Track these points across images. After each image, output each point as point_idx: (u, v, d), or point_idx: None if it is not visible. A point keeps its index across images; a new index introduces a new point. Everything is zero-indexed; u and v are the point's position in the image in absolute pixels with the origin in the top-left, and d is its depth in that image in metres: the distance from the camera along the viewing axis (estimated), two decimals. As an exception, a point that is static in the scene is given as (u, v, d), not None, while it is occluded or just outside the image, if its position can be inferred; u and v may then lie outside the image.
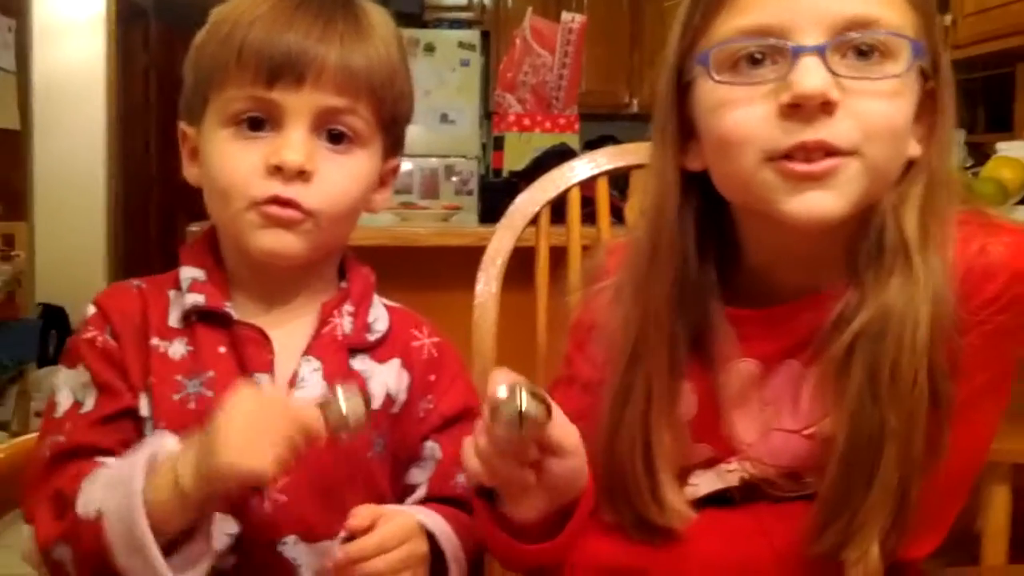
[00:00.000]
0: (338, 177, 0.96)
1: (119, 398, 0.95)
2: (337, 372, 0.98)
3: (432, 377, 1.04)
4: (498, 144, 2.84)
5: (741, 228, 0.94)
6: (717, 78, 0.85)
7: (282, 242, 0.94)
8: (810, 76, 0.81)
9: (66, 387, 0.97)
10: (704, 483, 0.96)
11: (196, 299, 0.98)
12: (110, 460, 0.91)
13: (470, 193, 5.92)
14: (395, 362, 1.03)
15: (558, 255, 1.51)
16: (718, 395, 0.95)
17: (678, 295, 0.92)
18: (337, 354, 0.99)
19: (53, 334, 5.74)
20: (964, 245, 0.86)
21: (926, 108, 0.88)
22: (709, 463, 0.96)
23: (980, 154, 3.36)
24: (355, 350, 1.00)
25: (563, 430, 0.84)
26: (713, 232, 0.94)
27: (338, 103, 0.94)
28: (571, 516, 0.88)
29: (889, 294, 0.84)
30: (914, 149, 0.88)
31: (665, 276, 0.92)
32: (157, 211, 7.53)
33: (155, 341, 0.97)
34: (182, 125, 1.02)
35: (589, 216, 1.52)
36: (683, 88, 0.91)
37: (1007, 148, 2.93)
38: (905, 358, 0.83)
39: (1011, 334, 0.87)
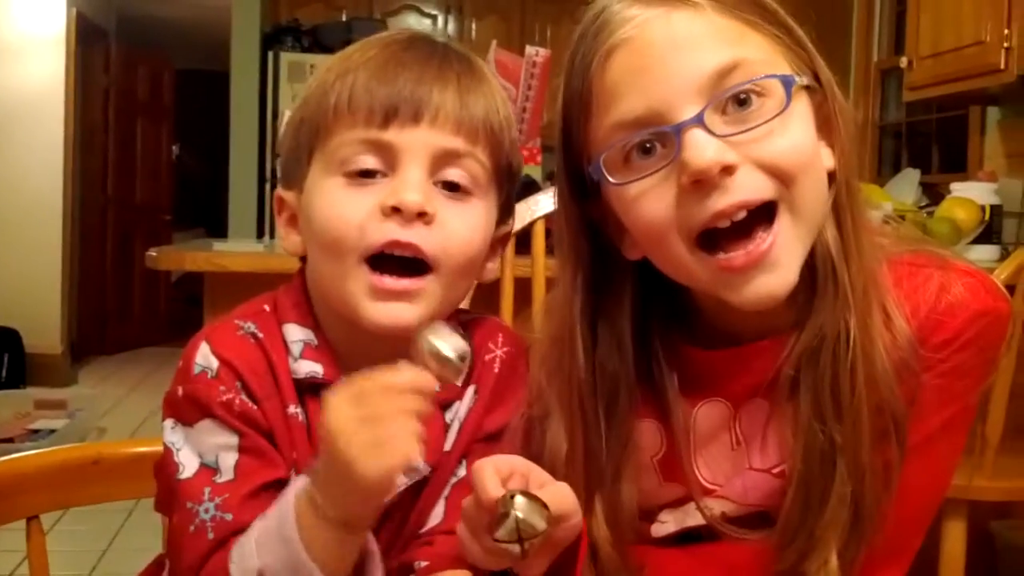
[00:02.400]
0: (459, 224, 0.87)
1: (274, 466, 0.86)
2: (432, 442, 0.88)
3: (496, 393, 0.96)
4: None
5: (693, 293, 0.93)
6: (614, 181, 0.84)
7: (398, 314, 0.85)
8: (699, 150, 0.79)
9: (187, 448, 0.87)
10: (672, 521, 0.96)
11: (313, 369, 0.89)
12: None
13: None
14: (469, 389, 0.95)
15: (523, 286, 1.51)
16: (688, 434, 0.94)
17: (621, 344, 0.92)
18: (430, 419, 0.86)
19: (6, 357, 5.66)
20: (924, 286, 0.87)
21: (825, 122, 0.87)
22: (679, 502, 0.96)
23: (934, 194, 3.42)
24: (447, 404, 0.93)
25: (560, 500, 0.80)
26: (660, 281, 0.93)
27: (457, 145, 0.87)
28: (574, 557, 0.85)
29: (822, 314, 0.85)
30: (829, 162, 0.87)
31: (582, 380, 0.91)
32: (114, 233, 7.45)
33: (292, 409, 0.88)
34: (279, 192, 0.93)
35: (553, 248, 1.52)
36: (587, 185, 0.90)
37: (961, 188, 2.99)
38: (841, 370, 0.84)
39: (970, 374, 0.87)
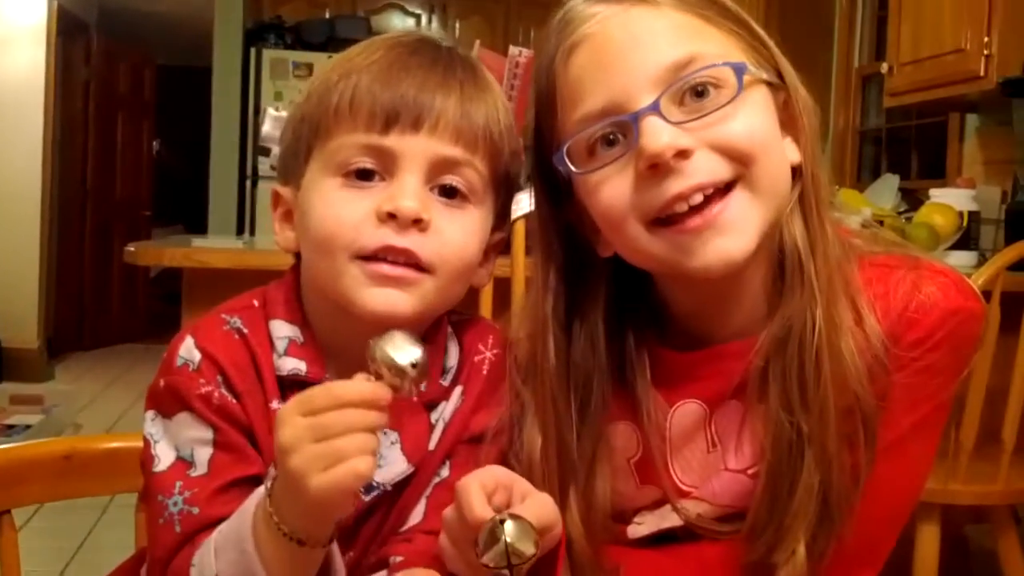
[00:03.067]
0: (454, 230, 0.87)
1: (248, 463, 0.86)
2: (415, 442, 0.90)
3: (483, 395, 0.95)
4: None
5: (660, 287, 0.95)
6: (577, 170, 0.87)
7: (392, 301, 0.85)
8: (654, 135, 0.82)
9: (164, 440, 0.87)
10: (648, 522, 0.96)
11: (296, 367, 0.89)
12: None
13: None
14: (457, 389, 0.95)
15: (503, 286, 1.51)
16: (663, 438, 0.95)
17: (585, 379, 0.93)
18: (415, 418, 0.91)
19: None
20: (896, 285, 0.88)
21: (789, 117, 0.90)
22: (655, 504, 0.96)
23: (913, 200, 3.44)
24: (433, 404, 0.93)
25: (543, 512, 0.81)
26: (635, 284, 0.95)
27: (455, 153, 0.87)
28: (553, 562, 0.85)
29: (790, 306, 0.86)
30: (794, 155, 0.89)
31: (555, 374, 0.92)
32: (92, 228, 7.40)
33: (276, 404, 0.87)
34: (275, 187, 0.94)
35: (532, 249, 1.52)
36: (560, 186, 0.92)
37: (940, 194, 3.01)
38: (807, 360, 0.85)
39: (943, 373, 0.88)
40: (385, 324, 0.84)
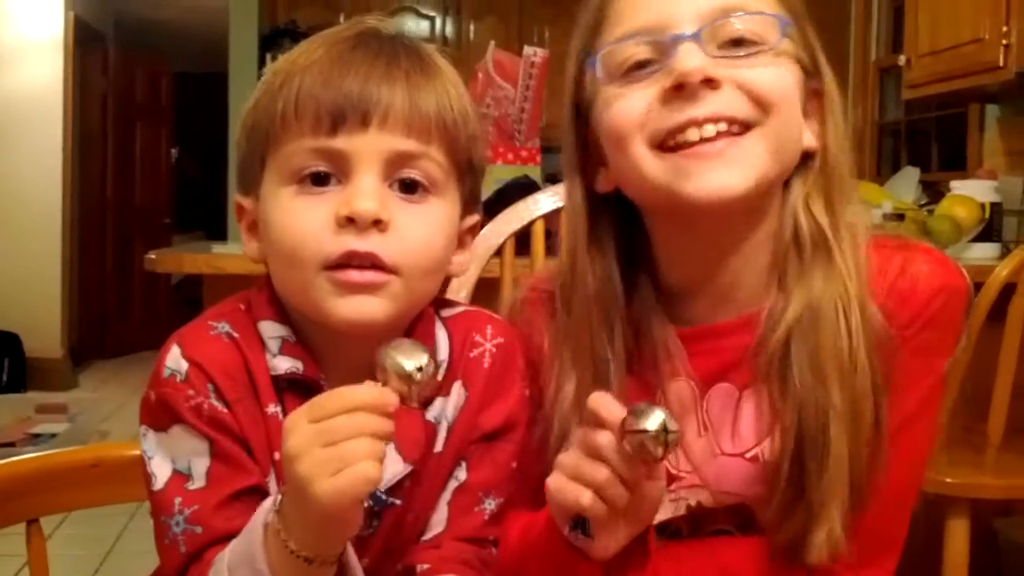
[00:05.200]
0: (417, 227, 0.84)
1: (246, 473, 0.84)
2: (410, 441, 0.88)
3: (489, 389, 0.93)
4: (461, 175, 2.84)
5: (655, 241, 0.96)
6: (604, 78, 0.89)
7: (365, 308, 0.83)
8: (689, 57, 0.84)
9: (159, 455, 0.85)
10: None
11: (293, 365, 0.86)
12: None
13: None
14: (456, 385, 0.92)
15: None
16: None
17: (604, 314, 0.94)
18: (408, 416, 0.87)
19: (6, 362, 5.66)
20: (885, 265, 0.90)
21: (815, 106, 0.92)
22: None
23: (934, 192, 3.42)
24: (427, 400, 0.90)
25: None
26: (636, 254, 0.97)
27: (409, 147, 0.84)
28: (645, 542, 0.86)
29: (815, 287, 0.88)
30: (810, 140, 0.92)
31: (588, 296, 0.94)
32: (114, 236, 7.45)
33: (272, 408, 0.86)
34: (237, 198, 0.91)
35: (552, 248, 1.52)
36: (584, 115, 0.94)
37: (960, 186, 2.98)
38: (843, 341, 0.87)
39: (938, 349, 0.91)
40: (360, 331, 0.84)
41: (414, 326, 0.91)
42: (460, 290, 1.43)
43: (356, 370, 0.87)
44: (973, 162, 4.23)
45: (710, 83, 0.85)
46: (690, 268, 0.94)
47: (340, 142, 0.83)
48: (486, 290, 1.46)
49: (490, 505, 0.91)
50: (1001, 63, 3.34)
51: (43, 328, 6.10)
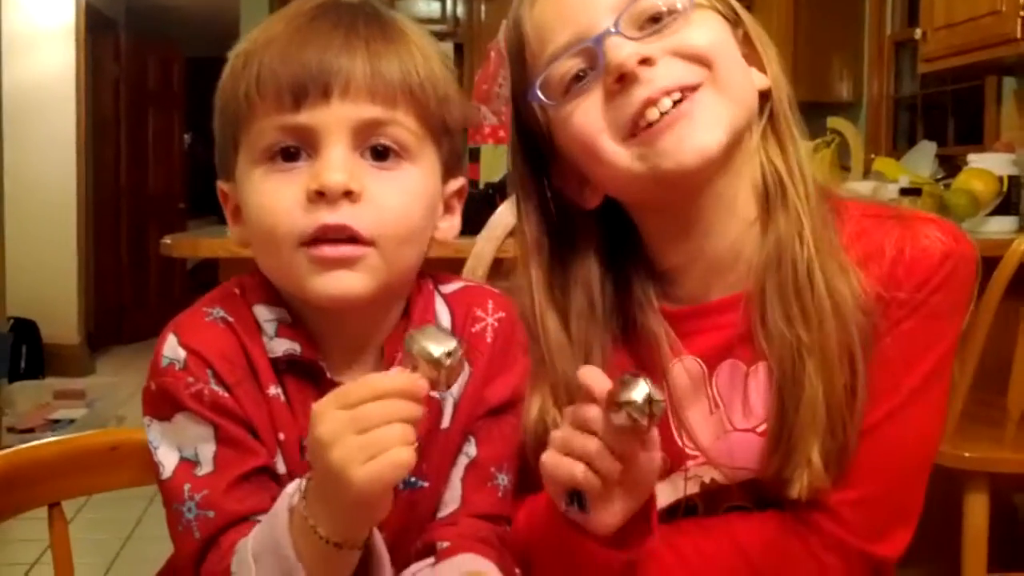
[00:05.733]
0: (390, 194, 0.83)
1: (253, 455, 0.84)
2: None
3: (493, 363, 0.92)
4: (474, 156, 2.83)
5: (646, 231, 0.97)
6: (550, 102, 0.92)
7: (345, 283, 0.82)
8: (618, 49, 0.87)
9: (164, 444, 0.85)
10: (662, 494, 0.94)
11: (290, 347, 0.86)
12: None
13: (445, 205, 5.90)
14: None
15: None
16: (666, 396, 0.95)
17: (592, 303, 0.95)
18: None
19: (24, 348, 5.70)
20: (888, 234, 0.92)
21: (751, 52, 0.95)
22: (666, 471, 0.95)
23: (951, 166, 3.39)
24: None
25: None
26: (627, 251, 0.98)
27: (375, 113, 0.83)
28: (647, 517, 0.86)
29: (778, 226, 0.91)
30: (761, 81, 0.94)
31: (575, 291, 0.96)
32: (128, 223, 7.48)
33: (273, 390, 0.85)
34: (220, 184, 0.91)
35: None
36: (542, 147, 0.96)
37: (978, 160, 2.96)
38: (801, 274, 0.89)
39: (948, 315, 0.92)
40: (342, 306, 0.84)
41: (413, 301, 0.91)
42: (477, 268, 1.43)
43: (353, 348, 0.89)
44: (990, 135, 4.20)
45: (647, 62, 0.87)
46: (683, 247, 0.95)
47: (304, 117, 0.82)
48: (502, 269, 1.46)
49: (503, 480, 0.91)
50: (1018, 35, 3.31)
51: (60, 315, 6.14)
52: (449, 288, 0.95)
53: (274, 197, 0.83)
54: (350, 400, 0.72)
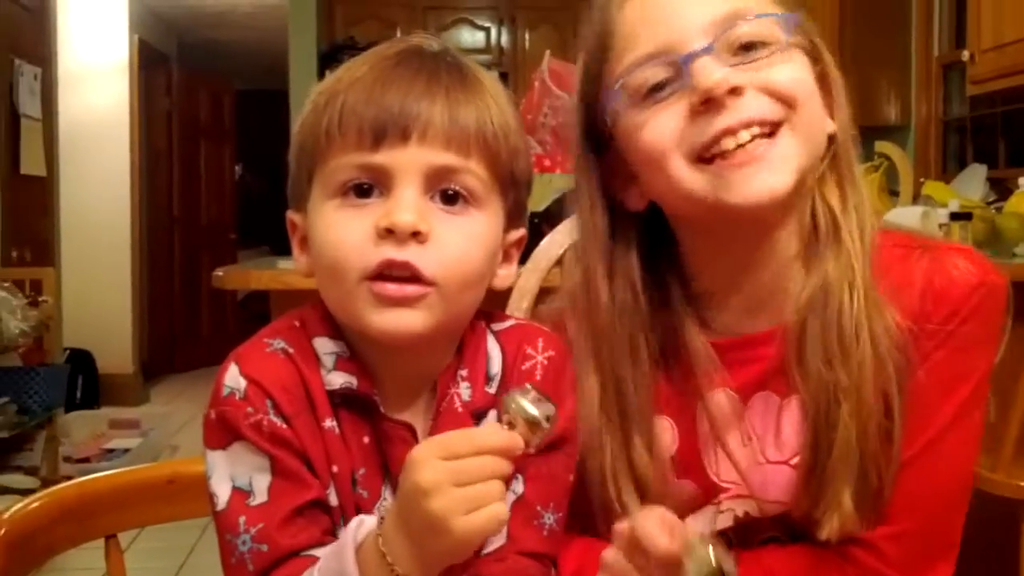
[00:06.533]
0: (456, 239, 0.86)
1: (307, 487, 0.85)
2: None
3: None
4: (519, 185, 2.85)
5: (687, 250, 0.97)
6: (628, 107, 0.91)
7: (404, 321, 0.84)
8: (709, 72, 0.86)
9: (218, 473, 0.86)
10: (697, 526, 0.94)
11: (347, 381, 0.88)
12: (319, 557, 0.83)
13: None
14: None
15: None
16: (699, 429, 0.96)
17: (627, 330, 0.95)
18: (459, 424, 0.89)
19: (80, 378, 5.79)
20: (915, 264, 0.92)
21: (823, 90, 0.94)
22: (698, 503, 0.96)
23: (1003, 189, 3.35)
24: (481, 413, 0.91)
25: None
26: (666, 266, 0.98)
27: (448, 160, 0.85)
28: None
29: (826, 266, 0.91)
30: (831, 126, 0.94)
31: (612, 314, 0.96)
32: (181, 254, 7.59)
33: (329, 423, 0.87)
34: (290, 214, 0.94)
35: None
36: (602, 140, 0.96)
37: (1030, 183, 2.92)
38: (846, 319, 0.89)
39: (979, 344, 0.91)
40: (399, 343, 0.86)
41: (466, 339, 0.92)
42: (521, 300, 1.44)
43: (407, 384, 0.90)
44: (1042, 157, 4.14)
45: (734, 91, 0.87)
46: (723, 274, 0.95)
47: (381, 157, 0.85)
48: (547, 300, 1.46)
49: (549, 520, 0.91)
50: (1068, 55, 3.27)
51: (115, 345, 6.24)
52: (501, 326, 0.96)
53: (344, 230, 0.85)
54: (452, 452, 0.75)
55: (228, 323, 7.88)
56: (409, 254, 0.83)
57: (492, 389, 0.92)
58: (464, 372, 0.91)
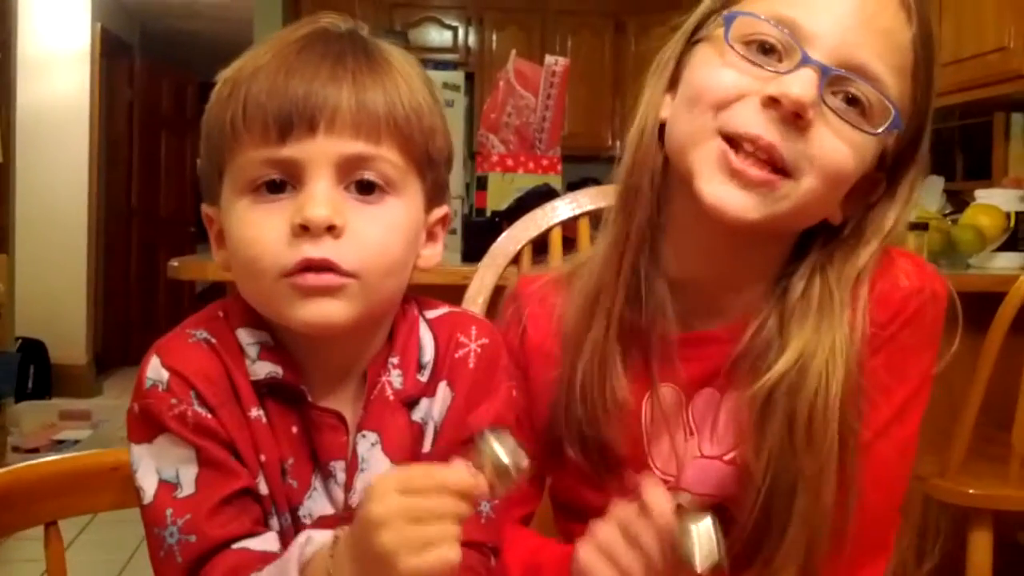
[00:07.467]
0: (373, 230, 0.83)
1: (235, 476, 0.83)
2: (396, 442, 0.88)
3: (475, 389, 0.92)
4: (481, 184, 2.84)
5: (675, 225, 0.96)
6: (729, 42, 0.89)
7: (326, 311, 0.82)
8: (804, 85, 0.84)
9: (144, 466, 0.84)
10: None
11: (272, 371, 0.86)
12: (250, 549, 0.82)
13: (453, 232, 5.88)
14: (441, 385, 0.92)
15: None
16: (642, 419, 0.97)
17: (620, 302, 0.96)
18: (393, 417, 0.88)
19: (32, 368, 5.71)
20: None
21: (863, 189, 0.93)
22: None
23: (959, 201, 3.39)
24: (413, 401, 0.90)
25: None
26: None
27: (359, 149, 0.83)
28: None
29: (809, 348, 0.88)
30: (836, 216, 0.93)
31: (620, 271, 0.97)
32: (138, 245, 7.51)
33: (255, 412, 0.85)
34: (204, 208, 0.92)
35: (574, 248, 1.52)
36: (688, 45, 0.95)
37: (985, 195, 2.96)
38: (819, 414, 0.87)
39: (916, 352, 0.92)
40: (323, 333, 0.84)
41: (397, 326, 0.91)
42: (477, 297, 1.43)
43: (336, 373, 0.89)
44: (999, 171, 4.20)
45: (800, 118, 0.85)
46: (699, 262, 0.95)
47: (289, 150, 0.82)
48: (503, 297, 1.46)
49: (485, 507, 0.90)
50: (1026, 71, 3.32)
51: (68, 335, 6.16)
52: (434, 314, 0.95)
53: (259, 229, 0.83)
54: (411, 487, 0.72)
55: (185, 316, 7.74)
56: (326, 250, 0.81)
57: (424, 377, 0.91)
58: (395, 360, 0.90)
